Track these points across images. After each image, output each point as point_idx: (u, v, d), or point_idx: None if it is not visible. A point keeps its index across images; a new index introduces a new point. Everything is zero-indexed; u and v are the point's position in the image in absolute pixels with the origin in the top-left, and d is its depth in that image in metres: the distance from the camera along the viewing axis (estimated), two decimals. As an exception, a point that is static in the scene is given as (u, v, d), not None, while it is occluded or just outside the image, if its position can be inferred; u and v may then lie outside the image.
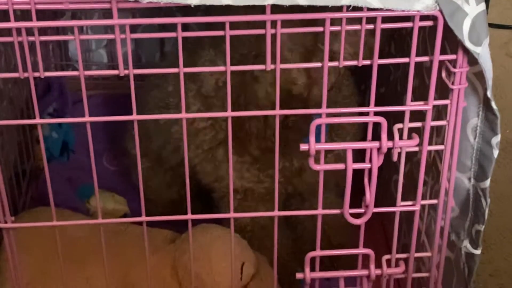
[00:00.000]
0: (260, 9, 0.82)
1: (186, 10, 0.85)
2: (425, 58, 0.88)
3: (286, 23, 0.84)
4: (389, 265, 1.00)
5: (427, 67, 0.97)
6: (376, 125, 0.89)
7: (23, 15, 0.88)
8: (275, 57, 0.84)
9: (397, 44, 1.27)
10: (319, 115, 0.88)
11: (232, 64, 0.85)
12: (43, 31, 0.84)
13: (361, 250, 0.98)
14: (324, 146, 0.90)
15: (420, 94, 1.06)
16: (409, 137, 0.91)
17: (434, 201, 0.99)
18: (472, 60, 0.87)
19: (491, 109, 0.92)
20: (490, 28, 0.88)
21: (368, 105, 0.89)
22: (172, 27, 0.82)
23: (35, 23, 0.81)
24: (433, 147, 0.96)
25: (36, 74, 0.85)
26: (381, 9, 0.81)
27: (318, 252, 0.97)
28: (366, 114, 0.89)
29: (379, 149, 0.89)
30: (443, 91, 0.93)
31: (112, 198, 1.45)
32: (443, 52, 0.88)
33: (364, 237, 0.98)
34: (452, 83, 0.89)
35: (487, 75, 0.88)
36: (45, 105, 1.61)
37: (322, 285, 1.05)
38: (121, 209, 1.44)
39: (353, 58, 0.89)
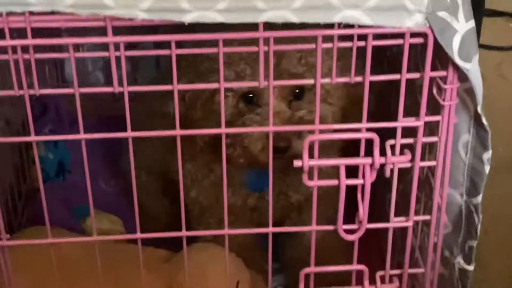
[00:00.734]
0: (253, 26, 0.83)
1: (182, 28, 0.86)
2: (416, 75, 0.89)
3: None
4: (383, 281, 1.00)
5: (419, 85, 0.98)
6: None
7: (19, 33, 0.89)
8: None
9: (390, 62, 1.28)
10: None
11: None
12: (39, 49, 0.85)
13: (355, 266, 0.98)
14: (318, 162, 0.90)
15: (413, 111, 1.06)
16: (402, 153, 0.92)
17: (427, 217, 0.99)
18: (463, 76, 0.88)
19: (481, 125, 0.92)
20: (482, 49, 0.90)
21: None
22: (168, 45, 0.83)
23: (30, 41, 0.82)
24: (425, 163, 0.96)
25: (32, 92, 0.85)
26: (371, 26, 0.83)
27: (313, 269, 0.98)
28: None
29: (371, 165, 0.90)
30: (435, 108, 0.94)
31: (107, 218, 1.45)
32: (434, 68, 0.89)
33: (359, 254, 0.98)
34: (443, 99, 0.90)
35: (477, 91, 0.89)
36: (41, 126, 1.61)
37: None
38: (117, 229, 1.43)
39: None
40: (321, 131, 0.90)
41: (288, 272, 1.35)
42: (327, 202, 1.23)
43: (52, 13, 0.81)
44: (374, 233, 1.12)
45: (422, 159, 0.96)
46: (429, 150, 1.00)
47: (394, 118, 0.91)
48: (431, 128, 0.99)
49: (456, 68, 0.87)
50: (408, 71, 0.88)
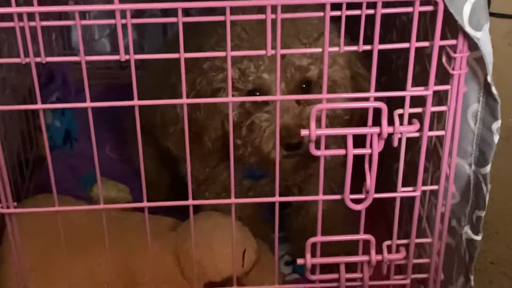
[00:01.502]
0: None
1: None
2: (425, 43, 0.88)
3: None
4: (389, 251, 1.00)
5: (428, 53, 0.97)
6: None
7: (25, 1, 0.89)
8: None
9: (399, 31, 1.27)
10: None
11: None
12: (45, 17, 0.85)
13: (362, 236, 0.98)
14: (325, 131, 0.90)
15: (422, 81, 1.05)
16: (410, 123, 0.91)
17: (434, 187, 0.99)
18: (473, 45, 0.87)
19: (491, 95, 0.92)
20: (492, 18, 0.88)
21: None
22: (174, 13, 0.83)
23: (36, 8, 0.81)
24: (434, 133, 0.96)
25: (38, 60, 0.85)
26: (381, -6, 0.82)
27: (319, 238, 0.98)
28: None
29: (379, 135, 0.89)
30: (444, 77, 0.93)
31: (115, 186, 1.45)
32: (443, 37, 0.88)
33: (366, 225, 0.98)
34: (453, 69, 0.89)
35: (487, 60, 0.88)
36: (48, 94, 1.61)
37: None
38: (124, 197, 1.44)
39: None
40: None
41: (294, 241, 1.36)
42: (331, 175, 1.23)
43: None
44: (381, 203, 1.13)
45: (431, 128, 0.95)
46: (438, 120, 0.99)
47: (403, 88, 0.90)
48: (440, 98, 0.98)
49: (466, 36, 0.86)
50: (418, 40, 0.87)
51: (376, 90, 0.90)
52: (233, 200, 0.97)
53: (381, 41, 0.86)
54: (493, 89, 0.91)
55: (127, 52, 0.85)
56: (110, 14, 0.83)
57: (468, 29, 0.84)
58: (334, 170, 1.22)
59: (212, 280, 1.12)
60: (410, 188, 0.97)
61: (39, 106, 0.89)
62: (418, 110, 0.92)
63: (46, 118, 1.58)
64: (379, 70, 0.88)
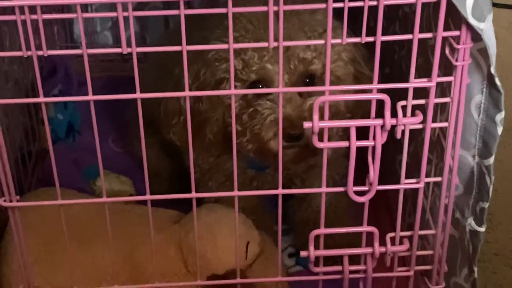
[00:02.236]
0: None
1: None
2: (428, 35, 0.88)
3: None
4: (393, 243, 1.00)
5: (431, 45, 0.97)
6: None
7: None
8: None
9: (402, 23, 1.27)
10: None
11: None
12: (46, 10, 0.84)
13: (365, 228, 0.98)
14: (328, 124, 0.89)
15: (425, 72, 1.05)
16: (413, 114, 0.91)
17: (438, 179, 0.99)
18: (476, 36, 0.87)
19: (495, 86, 0.91)
20: (495, 9, 0.88)
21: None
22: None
23: (37, 1, 0.81)
24: (437, 125, 0.95)
25: (40, 53, 0.85)
26: (384, -15, 0.81)
27: (322, 230, 0.98)
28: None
29: (382, 127, 0.89)
30: (447, 69, 0.93)
31: (118, 179, 1.45)
32: (446, 28, 0.88)
33: (369, 217, 0.98)
34: (456, 60, 0.88)
35: (491, 51, 0.87)
36: (51, 87, 1.61)
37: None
38: (127, 190, 1.44)
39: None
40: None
41: (298, 233, 1.36)
42: (334, 166, 1.23)
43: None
44: (385, 196, 1.13)
45: (434, 120, 0.95)
46: (441, 111, 0.99)
47: (406, 80, 0.90)
48: (443, 89, 0.98)
49: (470, 28, 0.86)
50: (421, 31, 0.86)
51: (379, 82, 0.89)
52: (236, 192, 0.97)
53: (384, 33, 0.86)
54: (497, 80, 0.90)
55: (129, 44, 0.85)
56: (112, 6, 0.82)
57: (471, 20, 0.84)
58: (336, 161, 1.21)
59: (215, 272, 1.12)
60: (414, 180, 0.97)
61: (41, 99, 0.89)
62: (421, 101, 0.92)
63: (49, 111, 1.58)
64: (382, 62, 0.88)
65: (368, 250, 0.98)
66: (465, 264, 1.05)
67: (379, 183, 0.93)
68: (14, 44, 1.37)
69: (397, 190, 0.97)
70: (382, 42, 0.86)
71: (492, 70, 0.89)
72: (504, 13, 1.49)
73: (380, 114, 0.89)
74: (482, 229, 1.01)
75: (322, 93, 0.88)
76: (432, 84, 0.90)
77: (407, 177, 0.96)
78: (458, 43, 0.87)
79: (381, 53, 0.87)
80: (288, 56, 1.06)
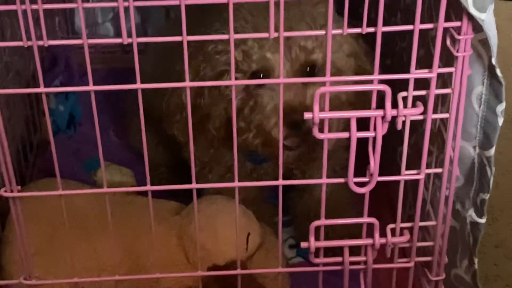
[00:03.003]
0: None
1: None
2: (429, 25, 0.88)
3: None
4: (393, 234, 1.00)
5: (433, 36, 0.97)
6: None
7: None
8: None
9: (403, 14, 1.27)
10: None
11: None
12: (47, 0, 0.84)
13: (366, 219, 0.98)
14: (328, 114, 0.89)
15: (426, 63, 1.05)
16: (414, 105, 0.91)
17: (438, 170, 0.98)
18: (477, 27, 0.86)
19: (496, 77, 0.91)
20: (497, 0, 0.88)
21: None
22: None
23: (38, -9, 0.81)
24: (438, 116, 0.95)
25: (40, 43, 0.85)
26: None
27: (323, 221, 0.98)
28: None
29: (383, 118, 0.89)
30: (448, 60, 0.93)
31: (119, 170, 1.45)
32: (448, 19, 0.88)
33: (370, 208, 0.98)
34: (457, 51, 0.88)
35: (492, 42, 0.87)
36: (52, 78, 1.61)
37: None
38: (128, 181, 1.43)
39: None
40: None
41: (298, 225, 1.36)
42: (335, 158, 1.23)
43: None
44: (385, 187, 1.12)
45: (435, 111, 0.95)
46: (442, 103, 0.99)
47: (407, 71, 0.90)
48: (444, 80, 0.98)
49: (471, 18, 0.85)
50: (422, 22, 0.86)
51: (380, 73, 0.89)
52: (236, 183, 0.96)
53: (385, 24, 0.86)
54: (498, 71, 0.90)
55: (130, 36, 0.85)
56: (115, -1, 0.82)
57: (473, 10, 0.84)
58: (337, 153, 1.21)
59: (216, 263, 1.12)
60: (414, 171, 0.97)
61: (41, 89, 0.89)
62: (422, 92, 0.91)
63: (50, 102, 1.58)
64: (383, 53, 0.88)
65: (369, 241, 0.98)
66: (465, 255, 1.05)
67: (380, 175, 0.93)
68: (15, 35, 1.37)
69: (398, 182, 0.97)
70: (383, 34, 0.86)
71: (493, 61, 0.89)
72: (506, 5, 1.49)
73: (381, 105, 0.89)
74: (482, 220, 1.01)
75: (323, 84, 0.88)
76: (433, 75, 0.90)
77: (408, 168, 0.96)
78: (459, 34, 0.87)
79: (382, 44, 0.87)
80: (289, 45, 1.06)
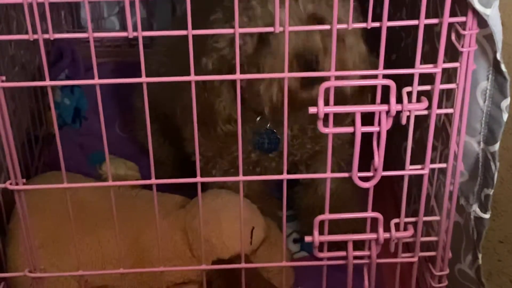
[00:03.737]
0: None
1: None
2: (434, 20, 0.88)
3: None
4: (397, 229, 1.00)
5: (438, 31, 0.97)
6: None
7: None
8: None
9: (409, 10, 1.26)
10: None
11: None
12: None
13: (369, 214, 0.98)
14: (333, 109, 0.89)
15: (431, 59, 1.05)
16: (418, 100, 0.91)
17: (443, 165, 0.99)
18: (482, 22, 0.86)
19: (500, 72, 0.91)
20: (503, -5, 0.88)
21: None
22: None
23: (44, -15, 0.81)
24: (442, 111, 0.95)
25: (46, 36, 0.85)
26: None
27: (327, 216, 0.98)
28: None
29: (387, 112, 0.89)
30: (453, 55, 0.93)
31: (124, 164, 1.45)
32: (453, 14, 0.88)
33: (374, 203, 0.98)
34: (462, 46, 0.88)
35: (497, 37, 0.87)
36: (57, 72, 1.61)
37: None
38: (133, 175, 1.44)
39: None
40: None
41: (302, 219, 1.36)
42: (339, 153, 1.22)
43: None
44: (390, 182, 1.13)
45: (439, 106, 0.95)
46: (447, 98, 0.99)
47: (412, 66, 0.90)
48: (449, 75, 0.98)
49: (476, 14, 0.85)
50: (427, 17, 0.86)
51: (385, 68, 0.89)
52: (241, 177, 0.97)
53: (391, 19, 0.86)
54: (503, 67, 0.90)
55: (135, 29, 0.85)
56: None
57: (478, 6, 0.84)
58: (342, 148, 1.21)
59: (220, 257, 1.12)
60: (418, 166, 0.97)
61: (47, 82, 0.89)
62: (427, 87, 0.91)
63: (56, 96, 1.58)
64: (388, 48, 0.88)
65: (373, 236, 0.98)
66: (469, 250, 1.05)
67: (385, 170, 0.93)
68: (21, 28, 1.37)
69: (402, 176, 0.97)
70: (389, 29, 0.86)
71: (498, 56, 0.89)
72: (511, 0, 1.48)
73: (385, 100, 0.89)
74: (486, 215, 1.01)
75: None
76: (438, 70, 0.90)
77: (412, 163, 0.96)
78: (464, 29, 0.87)
79: (387, 39, 0.87)
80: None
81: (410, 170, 0.96)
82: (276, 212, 1.27)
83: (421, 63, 0.90)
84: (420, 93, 0.91)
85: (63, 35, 0.87)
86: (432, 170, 1.03)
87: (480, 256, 1.04)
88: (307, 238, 0.98)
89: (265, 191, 1.34)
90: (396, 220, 1.00)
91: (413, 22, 0.87)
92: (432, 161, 1.01)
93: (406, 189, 0.97)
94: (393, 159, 1.22)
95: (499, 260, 1.37)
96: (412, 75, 0.90)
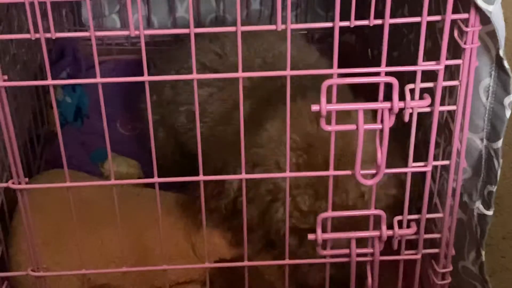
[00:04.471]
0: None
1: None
2: (436, 17, 0.88)
3: None
4: (400, 226, 1.00)
5: (440, 28, 0.97)
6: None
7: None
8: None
9: (410, 6, 1.26)
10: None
11: None
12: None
13: (372, 211, 0.98)
14: (335, 107, 0.89)
15: (434, 56, 1.05)
16: (421, 98, 0.91)
17: (446, 162, 0.98)
18: (485, 19, 0.86)
19: (503, 69, 0.91)
20: (506, -10, 0.88)
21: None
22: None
23: (45, -16, 0.81)
24: (445, 108, 0.95)
25: (48, 35, 0.85)
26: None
27: (330, 213, 0.98)
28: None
29: (390, 110, 0.89)
30: (456, 52, 0.92)
31: (126, 162, 1.46)
32: (455, 11, 0.88)
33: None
34: (465, 43, 0.88)
35: (500, 34, 0.87)
36: (59, 70, 1.61)
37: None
38: (135, 173, 1.45)
39: None
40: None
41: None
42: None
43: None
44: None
45: (442, 103, 0.95)
46: (449, 95, 0.99)
47: (415, 63, 0.89)
48: (452, 72, 0.98)
49: (478, 10, 0.85)
50: (429, 14, 0.86)
51: (388, 65, 0.89)
52: (243, 175, 0.97)
53: (393, 16, 0.85)
54: (505, 63, 0.90)
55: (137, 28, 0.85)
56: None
57: (480, 2, 0.84)
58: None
59: (222, 257, 1.12)
60: (421, 163, 0.96)
61: (49, 82, 0.89)
62: (430, 85, 0.91)
63: (57, 94, 1.58)
64: (391, 45, 0.88)
65: (376, 233, 0.98)
66: (472, 247, 1.05)
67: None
68: (22, 27, 1.37)
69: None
70: (391, 26, 0.86)
71: (501, 53, 0.89)
72: (514, -3, 1.47)
73: (388, 98, 0.89)
74: (490, 212, 1.01)
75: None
76: (441, 67, 0.89)
77: (416, 160, 0.96)
78: (466, 26, 0.87)
79: (390, 36, 0.87)
80: None
81: (413, 167, 0.96)
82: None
83: (423, 60, 0.90)
84: (422, 90, 0.90)
85: (65, 34, 0.87)
86: (435, 167, 1.03)
87: (483, 253, 1.04)
88: (310, 236, 0.98)
89: None
90: (399, 218, 0.99)
91: (416, 19, 0.87)
92: (435, 158, 1.01)
93: (409, 186, 0.97)
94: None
95: (503, 256, 1.37)
96: (414, 72, 0.89)
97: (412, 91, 0.90)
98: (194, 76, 0.88)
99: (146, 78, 0.88)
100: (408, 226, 1.00)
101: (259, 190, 1.05)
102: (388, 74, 0.88)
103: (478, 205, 1.02)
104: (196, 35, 0.83)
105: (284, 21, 0.84)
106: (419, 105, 0.90)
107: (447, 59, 0.89)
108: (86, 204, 1.16)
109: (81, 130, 1.59)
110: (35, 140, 1.46)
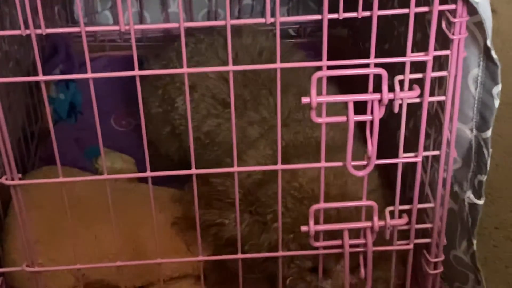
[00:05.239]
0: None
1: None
2: (424, 9, 0.88)
3: None
4: (392, 217, 1.00)
5: (429, 19, 0.97)
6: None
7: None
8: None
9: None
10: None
11: None
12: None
13: (364, 202, 0.98)
14: (326, 98, 0.90)
15: (423, 47, 1.05)
16: (411, 88, 0.91)
17: (436, 152, 0.99)
18: (472, 9, 0.87)
19: (491, 59, 0.92)
20: (498, -16, 0.88)
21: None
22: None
23: (35, -21, 0.81)
24: (434, 98, 0.96)
25: (38, 31, 0.85)
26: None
27: (322, 205, 0.98)
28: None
29: (380, 101, 0.89)
30: (444, 42, 0.93)
31: (120, 158, 1.46)
32: (443, 2, 0.88)
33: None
34: (452, 33, 0.89)
35: (487, 24, 0.87)
36: (52, 67, 1.61)
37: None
38: (129, 168, 1.45)
39: None
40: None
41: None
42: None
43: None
44: (385, 170, 1.13)
45: (432, 94, 0.95)
46: (439, 85, 1.00)
47: (406, 55, 0.90)
48: (441, 63, 0.98)
49: (465, 1, 0.86)
50: (418, 5, 0.87)
51: (377, 57, 0.90)
52: (236, 168, 0.97)
53: (383, 8, 0.86)
54: (493, 54, 0.91)
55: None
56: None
57: (467, -7, 0.84)
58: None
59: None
60: (412, 154, 0.97)
61: (40, 77, 0.89)
62: (419, 75, 0.92)
63: (50, 91, 1.58)
64: (381, 37, 0.88)
65: (368, 224, 0.99)
66: (464, 237, 1.06)
67: (381, 158, 0.93)
68: (14, 24, 1.37)
69: (397, 165, 0.97)
70: (382, 18, 0.87)
71: (489, 43, 0.90)
72: (504, -13, 1.48)
73: (378, 89, 0.90)
74: (480, 202, 1.01)
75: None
76: (429, 58, 0.90)
77: (407, 151, 0.97)
78: (454, 17, 0.87)
79: (380, 28, 0.87)
80: None
81: (404, 158, 0.97)
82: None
83: (413, 51, 0.90)
84: (412, 81, 0.91)
85: (55, 30, 0.87)
86: (426, 157, 1.03)
87: (475, 242, 1.04)
88: (303, 228, 0.99)
89: None
90: (390, 208, 1.00)
91: (404, 10, 0.87)
92: (426, 148, 1.01)
93: (400, 177, 0.98)
94: (389, 149, 1.22)
95: (495, 246, 1.38)
96: (404, 64, 0.90)
97: (401, 82, 0.91)
98: (185, 70, 0.89)
99: (137, 72, 0.89)
100: (400, 217, 1.01)
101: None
102: (378, 66, 0.89)
103: (469, 195, 1.02)
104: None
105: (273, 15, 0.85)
106: (408, 96, 0.90)
107: (435, 50, 0.90)
108: (80, 200, 1.16)
109: (75, 127, 1.59)
110: (29, 137, 1.46)
